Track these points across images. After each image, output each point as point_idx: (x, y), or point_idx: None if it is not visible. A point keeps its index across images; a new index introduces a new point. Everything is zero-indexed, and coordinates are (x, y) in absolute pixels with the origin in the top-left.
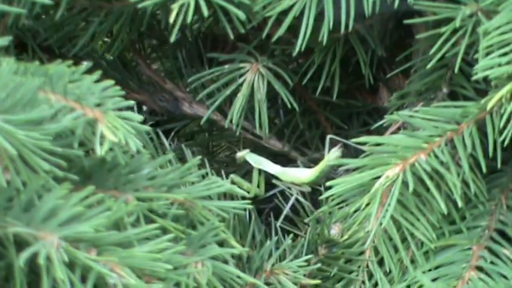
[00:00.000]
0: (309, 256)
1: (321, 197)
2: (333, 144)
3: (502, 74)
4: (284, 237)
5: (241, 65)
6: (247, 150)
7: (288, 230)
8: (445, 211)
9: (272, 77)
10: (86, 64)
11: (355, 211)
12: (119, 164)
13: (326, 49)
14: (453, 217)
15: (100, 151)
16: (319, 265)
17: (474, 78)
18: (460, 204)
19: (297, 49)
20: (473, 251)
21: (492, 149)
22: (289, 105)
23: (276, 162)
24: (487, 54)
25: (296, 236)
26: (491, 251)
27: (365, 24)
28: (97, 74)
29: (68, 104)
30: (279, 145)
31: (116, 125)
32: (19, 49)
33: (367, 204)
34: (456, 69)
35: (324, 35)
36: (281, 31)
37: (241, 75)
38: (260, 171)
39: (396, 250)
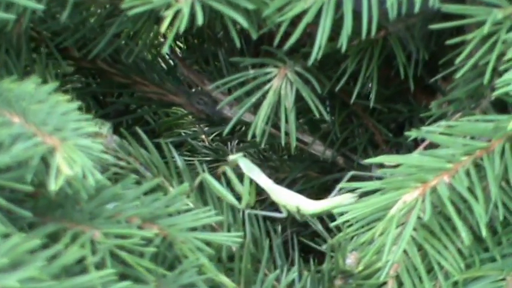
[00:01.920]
0: None
1: (333, 224)
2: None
3: None
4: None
5: (268, 69)
6: (241, 154)
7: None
8: (467, 242)
9: (301, 84)
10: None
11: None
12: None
13: (361, 52)
14: (487, 243)
15: (54, 185)
16: None
17: (494, 94)
18: (484, 233)
19: (313, 57)
20: (507, 283)
21: None
22: (317, 115)
23: (320, 171)
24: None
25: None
26: None
27: (406, 24)
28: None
29: (29, 130)
30: (327, 151)
31: (73, 156)
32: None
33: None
34: (486, 81)
35: (343, 40)
36: (292, 40)
37: (267, 81)
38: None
39: (421, 281)
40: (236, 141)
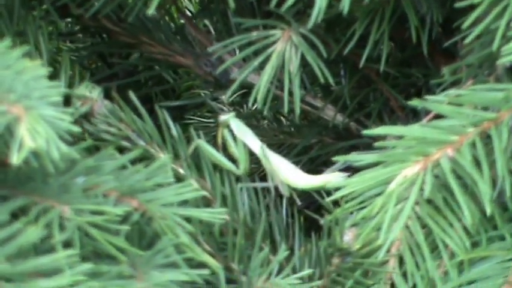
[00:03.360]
0: (308, 271)
1: (329, 198)
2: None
3: None
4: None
5: (272, 32)
6: (233, 114)
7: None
8: (470, 221)
9: (306, 47)
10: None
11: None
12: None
13: (371, 14)
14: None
15: (16, 158)
16: (321, 282)
17: (499, 62)
18: (488, 211)
19: (312, 20)
20: None
21: None
22: (322, 80)
23: (336, 137)
24: None
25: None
26: None
27: None
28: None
29: None
30: (338, 116)
31: (37, 127)
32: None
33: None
34: (494, 48)
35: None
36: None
37: (269, 45)
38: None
39: (425, 260)
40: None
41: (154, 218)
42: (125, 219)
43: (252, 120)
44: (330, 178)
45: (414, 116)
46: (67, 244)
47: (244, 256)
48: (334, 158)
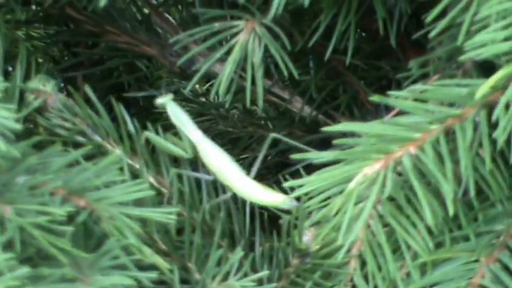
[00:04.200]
0: (265, 272)
1: (288, 197)
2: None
3: (495, 53)
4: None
5: (235, 22)
6: (171, 96)
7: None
8: (431, 221)
9: (269, 39)
10: None
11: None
12: None
13: (338, 5)
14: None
15: None
16: (280, 283)
17: (461, 58)
18: (450, 212)
19: (272, 12)
20: (480, 264)
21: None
22: (285, 73)
23: (306, 129)
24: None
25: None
26: (503, 264)
27: None
28: None
29: None
30: (306, 109)
31: None
32: None
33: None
34: (460, 42)
35: None
36: None
37: (233, 35)
38: None
39: (386, 261)
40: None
41: (102, 218)
42: (72, 218)
43: (221, 111)
44: (280, 199)
45: (385, 109)
46: (9, 245)
47: (201, 255)
48: (292, 156)
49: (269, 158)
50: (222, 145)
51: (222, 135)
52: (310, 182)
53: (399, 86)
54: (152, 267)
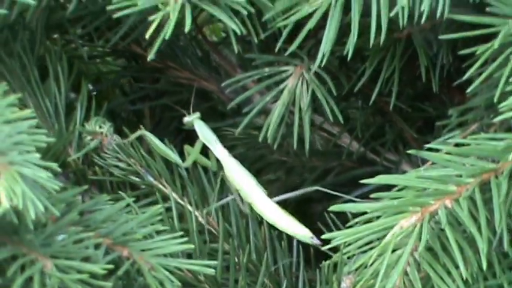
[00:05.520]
0: None
1: (327, 246)
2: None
3: None
4: None
5: (284, 68)
6: (198, 115)
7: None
8: (465, 275)
9: (316, 83)
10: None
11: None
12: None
13: (383, 52)
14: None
15: None
16: None
17: (496, 120)
18: (484, 266)
19: (317, 63)
20: None
21: None
22: (331, 118)
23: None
24: None
25: None
26: None
27: (430, 24)
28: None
29: None
30: (354, 144)
31: (14, 187)
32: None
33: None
34: (495, 99)
35: (350, 46)
36: (293, 46)
37: (283, 80)
38: None
39: None
40: None
41: (144, 270)
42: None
43: None
44: (302, 233)
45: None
46: None
47: None
48: (331, 208)
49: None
50: (276, 174)
51: (277, 164)
52: (349, 234)
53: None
54: None
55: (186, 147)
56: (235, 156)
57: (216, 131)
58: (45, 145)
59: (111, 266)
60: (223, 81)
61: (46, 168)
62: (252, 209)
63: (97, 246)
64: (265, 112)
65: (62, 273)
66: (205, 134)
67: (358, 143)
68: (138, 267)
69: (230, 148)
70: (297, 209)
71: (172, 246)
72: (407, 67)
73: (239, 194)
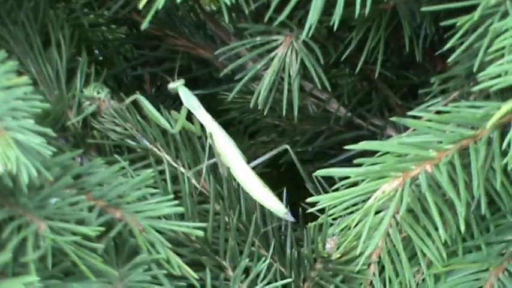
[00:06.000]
0: (287, 280)
1: (312, 209)
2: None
3: (509, 84)
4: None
5: (274, 37)
6: (182, 81)
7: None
8: (444, 237)
9: (305, 52)
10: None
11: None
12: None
13: (369, 22)
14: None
15: None
16: (306, 284)
17: (475, 88)
18: (462, 229)
19: (304, 34)
20: (489, 274)
21: None
22: (319, 86)
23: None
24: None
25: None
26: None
27: None
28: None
29: None
30: (342, 109)
31: (8, 152)
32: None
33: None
34: (475, 69)
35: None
36: (282, 17)
37: (273, 49)
38: None
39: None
40: None
41: (135, 231)
42: (107, 229)
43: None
44: (277, 208)
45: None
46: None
47: (235, 253)
48: (318, 172)
49: (310, 150)
50: (269, 136)
51: (269, 127)
52: (333, 198)
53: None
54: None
55: (173, 113)
56: (228, 121)
57: (212, 95)
58: (40, 111)
59: (103, 229)
60: (219, 49)
61: (41, 133)
62: (230, 174)
63: (91, 209)
64: (257, 78)
65: (56, 235)
66: (189, 99)
67: (345, 109)
68: (130, 229)
69: (225, 112)
70: (290, 168)
71: (164, 208)
72: (392, 37)
73: (220, 158)
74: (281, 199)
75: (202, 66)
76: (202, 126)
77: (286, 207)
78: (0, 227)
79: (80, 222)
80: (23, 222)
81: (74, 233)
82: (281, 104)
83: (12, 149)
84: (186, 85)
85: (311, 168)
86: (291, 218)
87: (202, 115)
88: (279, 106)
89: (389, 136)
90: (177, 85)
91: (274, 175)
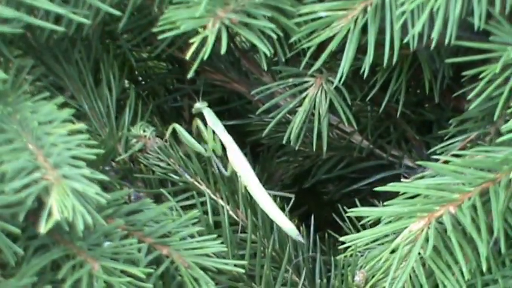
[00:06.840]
0: None
1: (343, 246)
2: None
3: None
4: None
5: (306, 79)
6: (206, 104)
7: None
8: (467, 276)
9: (333, 93)
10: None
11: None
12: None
13: (391, 67)
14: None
15: (43, 229)
16: None
17: (499, 140)
18: (484, 267)
19: (337, 79)
20: None
21: None
22: (346, 123)
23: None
24: None
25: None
26: None
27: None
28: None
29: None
30: (364, 142)
31: (65, 201)
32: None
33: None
34: (495, 118)
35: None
36: (317, 64)
37: (304, 90)
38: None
39: None
40: None
41: (181, 268)
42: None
43: None
44: (288, 227)
45: (426, 145)
46: None
47: (269, 279)
48: (350, 211)
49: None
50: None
51: (295, 152)
52: (362, 237)
53: (440, 127)
54: None
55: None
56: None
57: (245, 125)
58: (95, 157)
59: (152, 270)
60: (252, 83)
61: (95, 180)
62: (247, 191)
63: (139, 246)
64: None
65: (108, 274)
66: (213, 119)
67: (368, 142)
68: (176, 266)
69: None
70: (308, 191)
71: (209, 248)
72: (411, 78)
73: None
74: (308, 225)
75: (236, 98)
76: (223, 146)
77: (315, 232)
78: (56, 264)
79: (130, 260)
80: (77, 263)
81: (123, 271)
82: (309, 133)
83: (68, 197)
84: (209, 106)
85: (331, 187)
86: (301, 240)
87: (224, 135)
88: (307, 137)
89: (407, 166)
90: (202, 106)
91: (297, 192)
